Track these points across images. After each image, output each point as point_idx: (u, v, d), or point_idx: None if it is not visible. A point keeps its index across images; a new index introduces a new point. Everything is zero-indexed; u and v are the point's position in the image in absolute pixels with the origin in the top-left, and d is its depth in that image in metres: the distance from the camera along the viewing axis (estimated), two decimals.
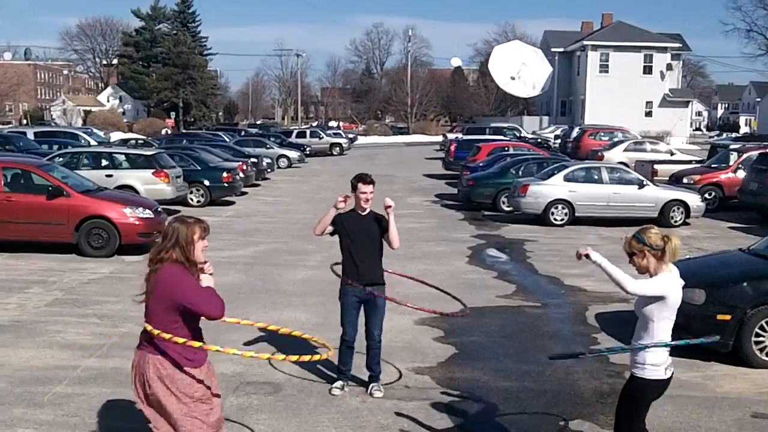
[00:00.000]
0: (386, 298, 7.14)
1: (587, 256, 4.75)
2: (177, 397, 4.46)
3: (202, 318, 4.61)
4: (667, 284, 4.72)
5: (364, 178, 7.07)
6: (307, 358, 4.80)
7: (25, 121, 74.20)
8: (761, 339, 8.12)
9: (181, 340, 4.40)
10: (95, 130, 43.93)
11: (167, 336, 4.36)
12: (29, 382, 7.37)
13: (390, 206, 6.90)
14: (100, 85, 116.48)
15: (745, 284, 8.35)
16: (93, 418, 6.53)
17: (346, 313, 7.16)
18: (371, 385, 7.30)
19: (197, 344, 4.44)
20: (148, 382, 4.47)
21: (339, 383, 7.31)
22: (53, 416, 6.55)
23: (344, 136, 58.15)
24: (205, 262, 4.65)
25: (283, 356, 4.91)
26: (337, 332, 7.37)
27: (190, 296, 4.42)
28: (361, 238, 7.05)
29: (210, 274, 4.64)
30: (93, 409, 6.71)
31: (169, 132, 61.30)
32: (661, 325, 4.76)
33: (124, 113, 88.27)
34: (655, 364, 4.77)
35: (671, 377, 4.88)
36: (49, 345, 8.60)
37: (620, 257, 5.26)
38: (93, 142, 34.05)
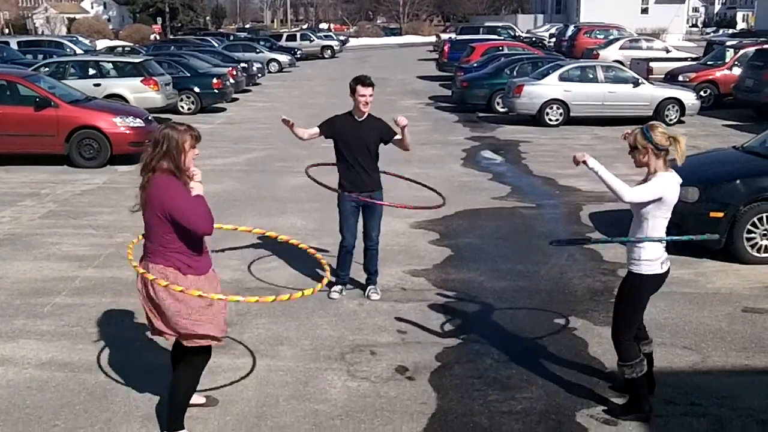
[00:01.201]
0: (385, 204, 7.10)
1: (584, 162, 4.70)
2: (181, 302, 4.49)
3: None
4: (663, 186, 4.70)
5: (363, 81, 6.87)
6: (309, 292, 4.77)
7: (6, 31, 72.46)
8: (753, 236, 8.19)
9: (178, 288, 4.39)
10: (80, 38, 43.02)
11: (163, 283, 4.39)
12: (28, 294, 7.43)
13: (405, 126, 6.78)
14: None
15: (737, 182, 8.36)
16: (93, 327, 6.61)
17: (344, 219, 7.15)
18: (368, 288, 7.38)
19: (195, 293, 4.41)
20: (154, 290, 4.49)
21: (337, 287, 7.39)
22: (54, 327, 6.63)
23: (335, 38, 57.17)
24: (192, 170, 4.58)
25: (287, 296, 4.85)
26: (335, 237, 7.41)
27: (180, 208, 4.39)
28: (358, 144, 6.94)
29: (199, 182, 4.58)
30: (93, 318, 6.79)
31: (158, 38, 60.06)
32: (656, 222, 4.77)
33: (109, 20, 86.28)
34: (651, 259, 4.80)
35: (668, 272, 4.93)
36: (46, 257, 8.64)
37: (616, 157, 5.24)
38: (79, 51, 33.39)
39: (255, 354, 6.10)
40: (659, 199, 4.71)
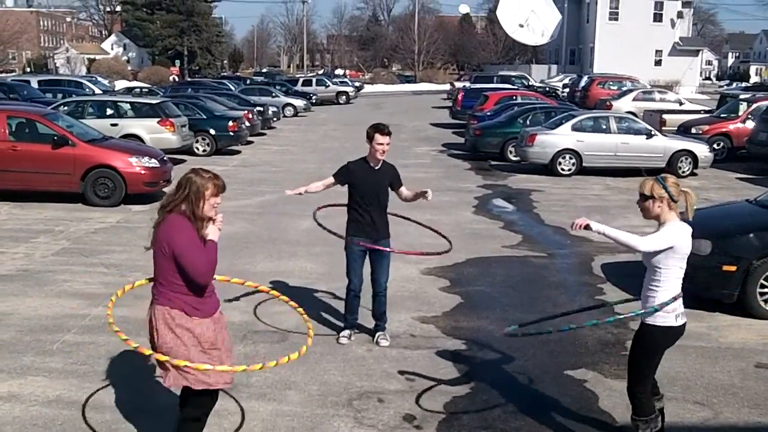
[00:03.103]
0: (394, 252, 7.11)
1: (586, 227, 4.69)
2: (186, 346, 4.48)
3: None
4: (675, 235, 4.70)
5: (381, 129, 6.87)
6: (295, 356, 4.64)
7: (28, 70, 73.71)
8: (766, 290, 8.13)
9: (182, 363, 4.38)
10: (99, 79, 43.74)
11: (164, 358, 4.45)
12: (38, 331, 7.44)
13: (427, 200, 6.96)
14: (103, 32, 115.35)
15: (751, 235, 8.33)
16: (102, 366, 6.60)
17: (351, 263, 7.15)
18: (377, 334, 7.35)
19: (202, 367, 4.40)
20: (158, 332, 4.49)
21: (346, 332, 7.36)
22: (63, 364, 6.63)
23: (350, 84, 57.69)
24: (216, 217, 4.61)
25: (274, 363, 4.63)
26: (343, 281, 7.40)
27: (181, 248, 4.39)
28: (373, 191, 6.96)
29: (217, 228, 4.60)
30: (102, 357, 6.78)
31: (176, 79, 60.88)
32: (669, 272, 4.75)
33: (128, 61, 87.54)
34: (666, 310, 4.77)
35: (684, 325, 4.88)
36: (57, 294, 8.67)
37: (629, 208, 5.24)
38: (97, 91, 33.91)
39: (260, 398, 6.06)
40: (671, 248, 4.70)
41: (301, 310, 5.46)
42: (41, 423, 5.55)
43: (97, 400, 5.94)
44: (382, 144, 6.86)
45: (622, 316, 4.78)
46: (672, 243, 4.69)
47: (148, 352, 4.48)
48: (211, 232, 4.55)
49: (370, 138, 6.91)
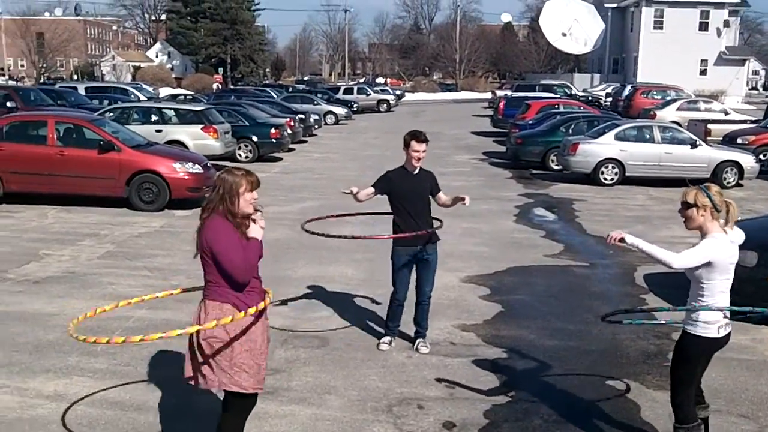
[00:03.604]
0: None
1: (621, 239, 4.64)
2: (231, 346, 4.52)
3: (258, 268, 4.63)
4: (712, 249, 4.61)
5: (417, 136, 6.91)
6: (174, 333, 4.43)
7: (75, 77, 75.22)
8: None
9: (194, 328, 4.43)
10: (144, 86, 44.46)
11: (211, 325, 4.41)
12: (83, 332, 7.52)
13: (465, 205, 6.93)
14: (148, 40, 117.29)
15: None
16: (145, 367, 6.71)
17: (398, 273, 7.13)
18: (418, 341, 7.35)
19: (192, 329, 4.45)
20: (206, 323, 4.51)
21: (387, 338, 7.37)
22: (107, 365, 6.75)
23: (391, 92, 57.77)
24: (257, 211, 4.64)
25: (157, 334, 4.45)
26: (383, 288, 7.43)
27: (219, 248, 4.43)
28: (412, 196, 6.98)
29: (260, 226, 4.64)
30: (145, 358, 6.88)
31: (219, 87, 61.63)
32: (712, 285, 4.68)
33: (172, 69, 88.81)
34: (708, 321, 4.71)
35: (726, 337, 4.80)
36: (102, 296, 8.82)
37: (672, 218, 5.18)
38: (142, 98, 34.47)
39: (300, 402, 6.10)
40: (709, 263, 4.62)
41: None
42: (86, 422, 5.65)
43: (140, 401, 6.03)
44: (418, 151, 6.90)
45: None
46: (709, 258, 4.60)
47: (176, 332, 4.35)
48: (254, 230, 4.60)
49: (406, 145, 6.95)
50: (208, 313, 4.55)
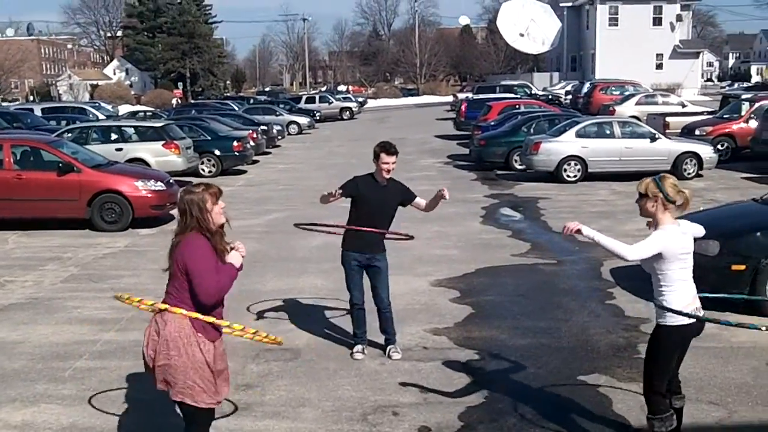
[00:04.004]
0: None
1: (578, 231, 4.70)
2: (188, 361, 4.48)
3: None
4: (662, 240, 4.71)
5: (387, 149, 6.90)
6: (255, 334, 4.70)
7: (31, 98, 74.18)
8: None
9: (178, 310, 4.43)
10: (103, 104, 43.96)
11: (163, 306, 4.48)
12: (49, 358, 7.46)
13: (445, 199, 6.92)
14: (105, 58, 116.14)
15: (758, 234, 8.32)
16: (115, 391, 6.60)
17: (349, 277, 7.17)
18: (389, 348, 7.34)
19: (210, 319, 4.44)
20: (167, 344, 4.47)
21: (359, 347, 7.35)
22: (75, 391, 6.64)
23: (354, 99, 57.83)
24: (237, 244, 4.70)
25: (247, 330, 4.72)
26: None
27: (194, 266, 4.41)
28: (380, 208, 6.98)
29: (242, 255, 4.66)
30: (114, 382, 6.79)
31: (179, 102, 61.17)
32: (669, 275, 4.76)
33: (131, 85, 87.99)
34: (678, 309, 4.77)
35: (698, 324, 4.86)
36: (68, 321, 8.69)
37: (635, 212, 5.24)
38: (101, 117, 34.06)
39: (274, 417, 6.05)
40: (660, 255, 4.69)
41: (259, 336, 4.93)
42: None
43: (111, 426, 5.94)
44: (387, 163, 6.90)
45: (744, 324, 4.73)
46: (660, 249, 4.69)
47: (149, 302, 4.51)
48: (233, 257, 4.62)
49: (376, 156, 6.95)
50: (167, 322, 4.50)
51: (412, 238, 7.43)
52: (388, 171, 6.93)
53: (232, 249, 4.66)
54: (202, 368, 4.51)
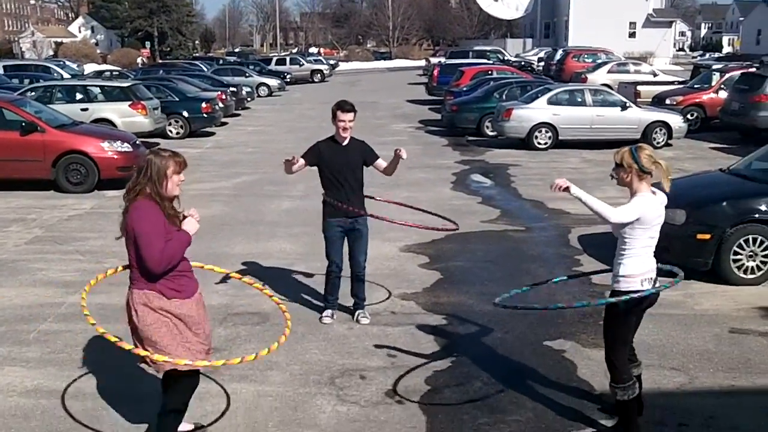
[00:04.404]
0: (374, 216, 7.07)
1: (566, 189, 4.72)
2: (167, 327, 4.46)
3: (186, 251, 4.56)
4: (642, 206, 4.77)
5: (342, 106, 6.89)
6: (264, 352, 4.65)
7: None
8: (739, 257, 8.22)
9: (162, 358, 4.39)
10: (68, 63, 43.10)
11: (144, 353, 4.49)
12: (13, 321, 7.36)
13: (402, 159, 6.81)
14: (70, 15, 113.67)
15: (724, 204, 8.41)
16: (80, 353, 6.55)
17: (330, 244, 7.14)
18: (357, 312, 7.36)
19: (181, 362, 4.41)
20: (137, 313, 4.46)
21: (328, 312, 7.35)
22: (40, 353, 6.57)
23: (325, 62, 57.32)
24: (192, 212, 4.62)
25: (252, 356, 4.76)
26: (323, 261, 7.37)
27: (141, 231, 4.35)
28: (344, 169, 6.94)
29: (197, 220, 4.60)
30: (79, 345, 6.72)
31: (145, 62, 60.14)
32: (636, 242, 4.82)
33: (97, 44, 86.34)
34: (630, 275, 4.82)
35: (654, 291, 4.91)
36: (32, 283, 8.57)
37: (605, 180, 5.26)
38: (66, 75, 33.41)
39: (242, 380, 6.05)
40: (637, 219, 4.76)
41: (276, 298, 5.37)
42: (21, 414, 5.50)
43: (77, 389, 5.90)
44: (344, 121, 6.86)
45: (613, 300, 4.81)
46: (640, 213, 4.76)
47: (128, 347, 4.43)
48: (188, 224, 4.54)
49: (333, 116, 6.92)
50: (136, 302, 4.47)
51: (456, 227, 7.35)
52: (345, 129, 6.89)
53: (185, 218, 4.58)
54: (177, 330, 4.49)
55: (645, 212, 4.77)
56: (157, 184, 4.42)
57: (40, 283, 8.56)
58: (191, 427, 5.18)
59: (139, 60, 62.70)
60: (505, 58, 46.84)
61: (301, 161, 6.95)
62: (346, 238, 7.16)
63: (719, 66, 26.77)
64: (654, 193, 4.89)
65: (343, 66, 68.87)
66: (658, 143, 18.84)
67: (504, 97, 21.71)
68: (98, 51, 77.23)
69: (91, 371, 6.19)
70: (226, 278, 8.01)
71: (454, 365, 6.34)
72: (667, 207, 4.97)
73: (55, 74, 33.61)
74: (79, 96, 19.77)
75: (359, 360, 6.45)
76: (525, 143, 19.19)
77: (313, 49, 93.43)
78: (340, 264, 7.21)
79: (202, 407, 5.54)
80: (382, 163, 7.17)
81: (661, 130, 19.17)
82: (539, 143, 19.12)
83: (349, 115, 6.88)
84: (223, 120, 25.08)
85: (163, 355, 4.40)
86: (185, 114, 22.20)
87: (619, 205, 4.85)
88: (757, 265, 8.24)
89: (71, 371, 6.19)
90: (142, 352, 4.45)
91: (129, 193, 4.48)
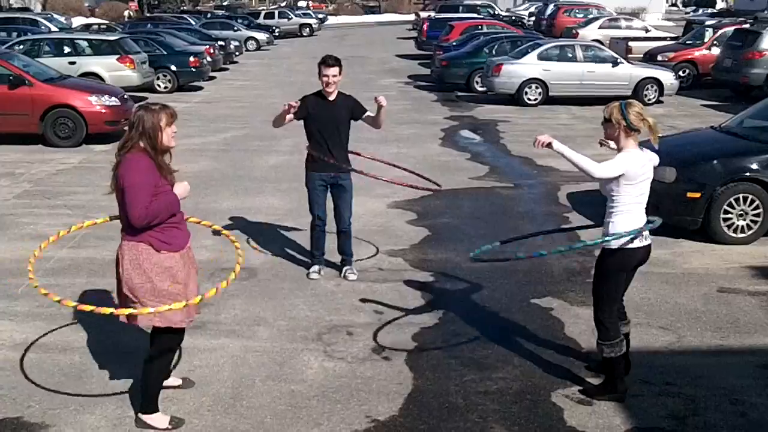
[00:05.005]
0: (358, 172, 7.03)
1: (549, 145, 4.70)
2: (152, 282, 4.45)
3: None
4: (626, 162, 4.76)
5: (326, 61, 6.85)
6: (212, 292, 4.53)
7: None
8: (729, 216, 8.24)
9: (145, 311, 4.37)
10: (55, 16, 42.34)
11: (126, 311, 4.48)
12: (2, 275, 7.34)
13: (383, 106, 6.74)
14: None
15: (715, 162, 8.40)
16: (68, 308, 6.53)
17: (313, 197, 7.15)
18: (344, 269, 7.37)
19: (88, 308, 4.46)
20: (123, 268, 4.45)
21: (315, 267, 7.36)
22: (28, 308, 6.56)
23: (314, 16, 56.59)
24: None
25: (213, 291, 4.55)
26: (309, 216, 7.35)
27: (129, 183, 4.32)
28: (330, 124, 6.90)
29: (185, 183, 4.59)
30: (67, 299, 6.69)
31: (132, 16, 59.22)
32: (624, 199, 4.82)
33: None
34: (619, 233, 4.82)
35: (644, 250, 4.93)
36: (21, 237, 8.54)
37: (595, 137, 5.24)
38: (54, 28, 32.87)
39: (229, 335, 6.07)
40: (622, 175, 4.74)
41: (237, 243, 5.23)
42: (9, 367, 5.51)
43: (65, 342, 5.91)
44: (327, 75, 6.81)
45: (590, 243, 4.84)
46: (624, 170, 4.74)
47: (107, 311, 4.40)
48: (180, 187, 4.54)
49: (319, 71, 6.86)
50: (125, 254, 4.46)
51: (439, 187, 7.33)
52: (328, 84, 6.84)
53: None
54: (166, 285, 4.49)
55: (629, 168, 4.75)
56: (151, 137, 4.40)
57: (29, 237, 8.52)
58: (179, 382, 5.20)
59: (126, 13, 61.67)
60: (496, 12, 46.33)
61: (291, 115, 6.90)
62: (329, 192, 7.14)
63: (712, 22, 26.58)
64: (642, 150, 4.88)
65: (332, 20, 67.98)
66: (649, 100, 18.79)
67: (494, 52, 21.53)
68: (86, 4, 75.84)
69: (79, 325, 6.19)
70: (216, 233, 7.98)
71: (441, 322, 6.37)
72: (658, 164, 4.96)
73: (43, 27, 33.05)
74: (66, 50, 19.53)
75: (346, 316, 6.48)
76: (515, 99, 19.10)
77: (301, 3, 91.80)
78: (324, 217, 7.21)
79: (190, 362, 5.56)
80: (371, 115, 7.13)
81: (652, 86, 19.11)
82: (529, 99, 19.03)
83: (333, 70, 6.81)
84: (211, 74, 24.81)
85: (146, 309, 4.40)
86: (173, 68, 21.96)
87: (606, 161, 4.84)
88: (747, 224, 8.27)
89: (59, 325, 6.19)
90: (108, 311, 4.40)
91: (122, 149, 4.46)
